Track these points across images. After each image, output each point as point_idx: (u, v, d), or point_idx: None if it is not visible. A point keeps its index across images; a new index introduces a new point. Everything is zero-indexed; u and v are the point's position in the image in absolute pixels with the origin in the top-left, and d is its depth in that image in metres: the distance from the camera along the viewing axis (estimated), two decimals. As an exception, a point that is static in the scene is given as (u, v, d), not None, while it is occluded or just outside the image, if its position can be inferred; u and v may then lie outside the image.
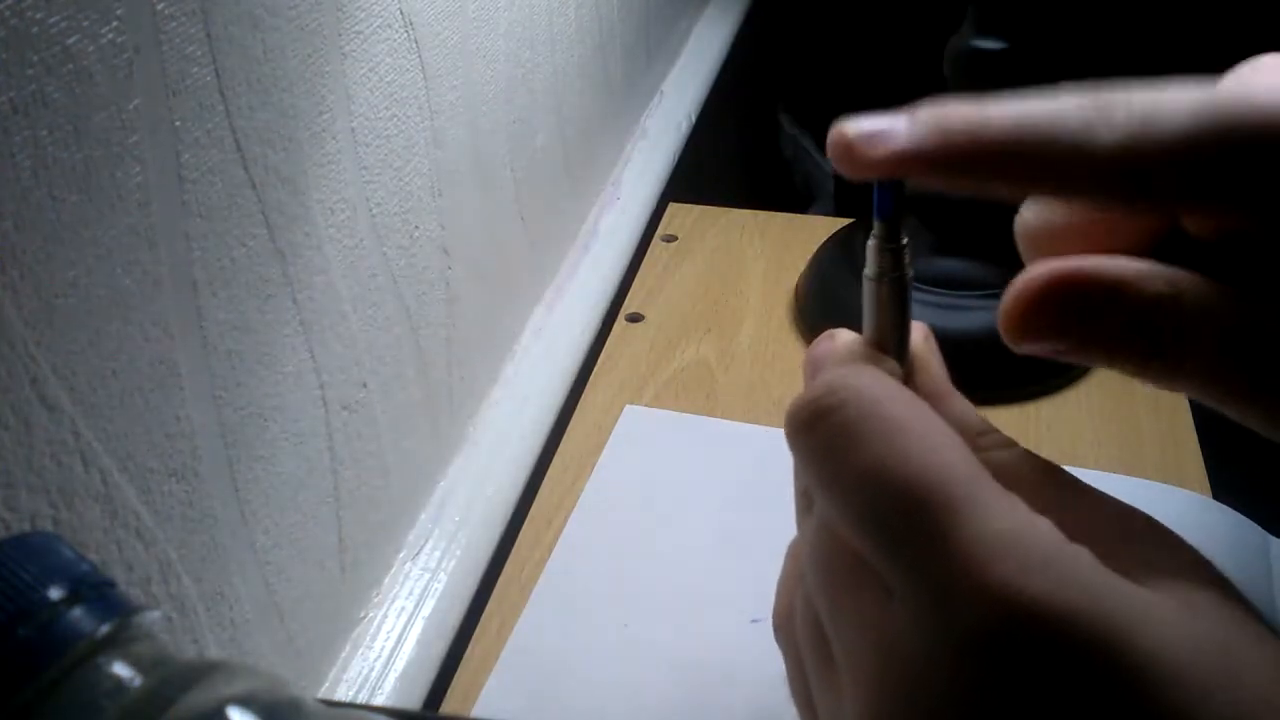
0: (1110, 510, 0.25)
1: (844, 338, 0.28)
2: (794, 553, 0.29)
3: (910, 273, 0.27)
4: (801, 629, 0.27)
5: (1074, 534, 0.22)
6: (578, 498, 0.55)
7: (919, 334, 0.28)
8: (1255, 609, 0.22)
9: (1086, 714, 0.20)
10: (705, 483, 0.56)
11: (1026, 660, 0.20)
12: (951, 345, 0.29)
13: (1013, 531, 0.21)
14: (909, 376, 0.28)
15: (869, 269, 0.27)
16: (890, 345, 0.27)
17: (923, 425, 0.23)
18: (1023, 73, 0.57)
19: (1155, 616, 0.20)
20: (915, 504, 0.22)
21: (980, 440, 0.26)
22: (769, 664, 0.46)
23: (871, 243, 0.27)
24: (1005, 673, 0.20)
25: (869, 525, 0.22)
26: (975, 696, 0.20)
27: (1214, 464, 0.57)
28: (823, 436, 0.23)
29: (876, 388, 0.24)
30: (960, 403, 0.28)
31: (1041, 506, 0.23)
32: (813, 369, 0.28)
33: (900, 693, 0.22)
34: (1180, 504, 0.53)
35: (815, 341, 0.28)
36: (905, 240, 0.27)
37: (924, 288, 0.61)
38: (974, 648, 0.20)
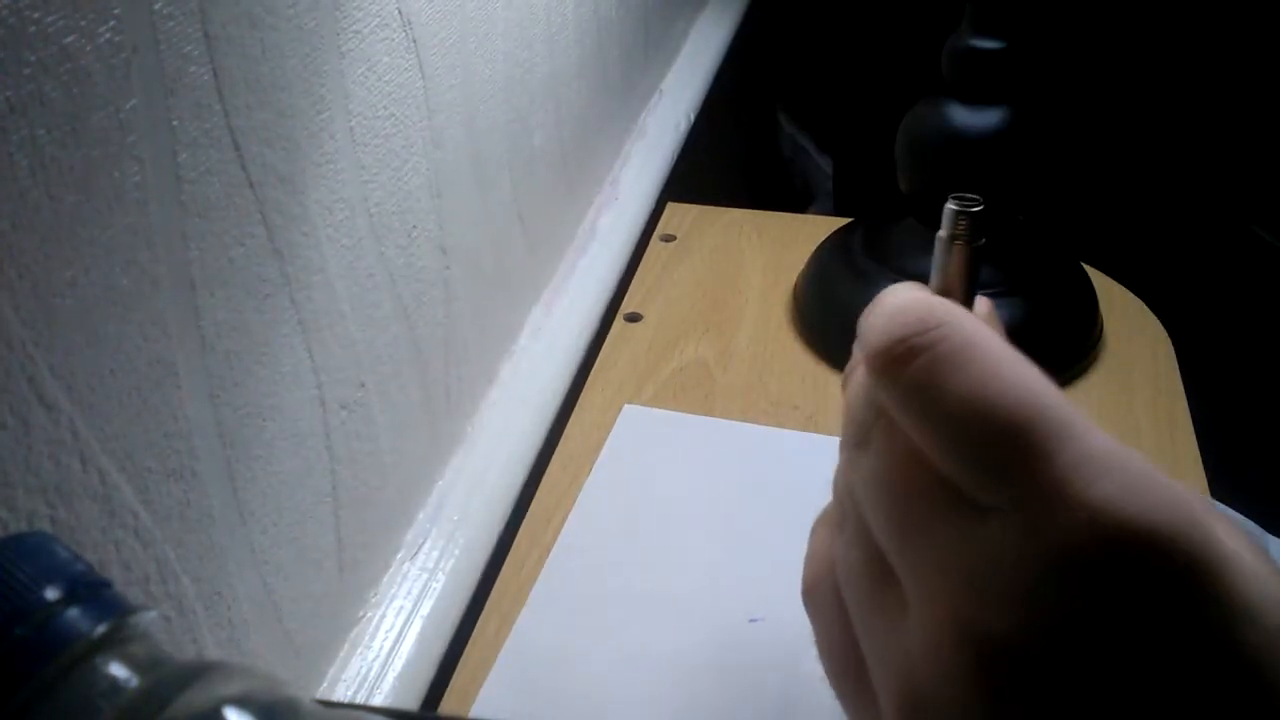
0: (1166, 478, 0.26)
1: (909, 286, 0.28)
2: (825, 521, 0.30)
3: (983, 240, 0.28)
4: (848, 572, 0.27)
5: None
6: (576, 497, 0.55)
7: (982, 306, 0.29)
8: None
9: (1173, 634, 0.21)
10: (704, 482, 0.56)
11: (1124, 575, 0.21)
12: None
13: (1112, 453, 0.22)
14: None
15: (945, 230, 0.28)
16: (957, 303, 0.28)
17: (1016, 358, 0.24)
18: (1021, 72, 0.57)
19: (1234, 551, 0.22)
20: (1019, 427, 0.22)
21: None
22: (768, 663, 0.46)
23: (950, 205, 0.27)
24: (1101, 585, 0.21)
25: (971, 448, 0.23)
26: (1071, 605, 0.21)
27: (1213, 464, 0.57)
28: (923, 363, 0.24)
29: (970, 321, 0.24)
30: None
31: None
32: (873, 317, 0.28)
33: (990, 600, 0.22)
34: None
35: (877, 298, 0.28)
36: (981, 206, 0.27)
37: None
38: (1074, 559, 0.21)
